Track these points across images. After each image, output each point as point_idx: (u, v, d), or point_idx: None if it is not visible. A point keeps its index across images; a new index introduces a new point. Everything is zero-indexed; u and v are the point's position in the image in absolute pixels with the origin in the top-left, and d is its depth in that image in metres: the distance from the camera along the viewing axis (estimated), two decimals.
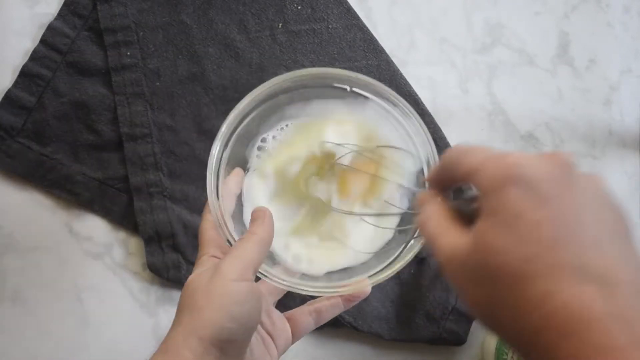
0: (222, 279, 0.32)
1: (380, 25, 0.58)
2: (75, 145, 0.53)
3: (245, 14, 0.55)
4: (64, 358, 0.51)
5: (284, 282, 0.37)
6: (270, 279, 0.37)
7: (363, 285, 0.38)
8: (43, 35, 0.54)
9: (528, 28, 0.59)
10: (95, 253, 0.53)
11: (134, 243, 0.53)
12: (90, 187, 0.53)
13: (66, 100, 0.53)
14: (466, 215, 0.27)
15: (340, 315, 0.51)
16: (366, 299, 0.52)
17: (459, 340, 0.52)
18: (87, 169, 0.53)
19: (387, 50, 0.56)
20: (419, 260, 0.53)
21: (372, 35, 0.56)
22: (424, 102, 0.56)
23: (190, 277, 0.34)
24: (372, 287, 0.52)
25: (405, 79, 0.56)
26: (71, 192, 0.53)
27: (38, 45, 0.54)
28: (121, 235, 0.53)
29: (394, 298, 0.53)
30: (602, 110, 0.59)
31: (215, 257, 0.36)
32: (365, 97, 0.41)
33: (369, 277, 0.38)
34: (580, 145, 0.58)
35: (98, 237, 0.53)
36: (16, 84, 0.53)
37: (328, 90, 0.40)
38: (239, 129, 0.40)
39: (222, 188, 0.39)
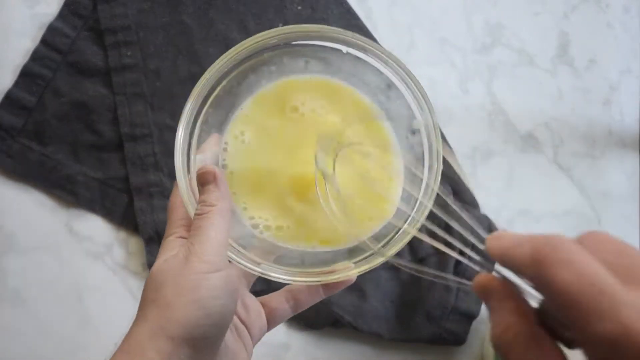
0: (193, 270, 0.29)
1: (380, 25, 0.58)
2: (75, 146, 0.53)
3: (245, 15, 0.56)
4: (64, 358, 0.51)
5: (258, 269, 0.33)
6: (243, 265, 0.33)
7: (348, 273, 0.34)
8: (43, 36, 0.54)
9: (528, 28, 0.59)
10: (95, 253, 0.53)
11: (134, 243, 0.53)
12: (91, 187, 0.53)
13: (66, 100, 0.53)
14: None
15: (340, 315, 0.51)
16: (366, 299, 0.52)
17: (459, 340, 0.52)
18: (88, 169, 0.53)
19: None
20: (419, 260, 0.53)
21: (372, 35, 0.56)
22: None
23: (156, 266, 0.30)
24: (371, 287, 0.52)
25: None
26: (71, 192, 0.53)
27: (38, 46, 0.54)
28: (121, 235, 0.53)
29: (394, 298, 0.53)
30: (602, 110, 0.59)
31: (183, 237, 0.32)
32: (361, 60, 0.37)
33: (355, 262, 0.34)
34: (580, 145, 0.58)
35: (98, 237, 0.53)
36: (17, 84, 0.53)
37: (321, 49, 0.37)
38: (217, 90, 0.35)
39: (195, 158, 0.35)
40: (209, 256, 0.29)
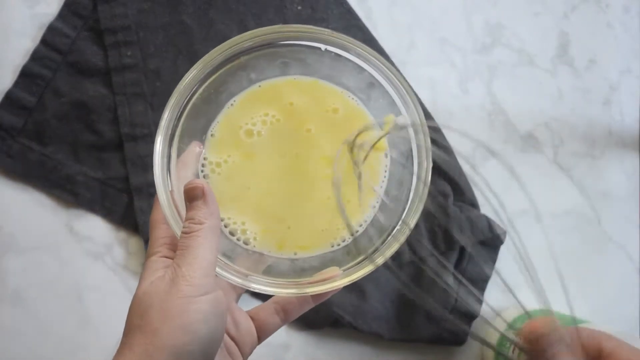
0: (180, 294, 0.27)
1: (380, 26, 0.58)
2: (75, 146, 0.53)
3: (245, 15, 0.56)
4: (64, 358, 0.51)
5: (245, 282, 0.32)
6: (230, 279, 0.32)
7: (336, 284, 0.33)
8: (43, 36, 0.54)
9: (528, 28, 0.59)
10: (95, 253, 0.53)
11: (135, 243, 0.53)
12: (91, 188, 0.53)
13: (66, 100, 0.53)
14: None
15: (340, 315, 0.51)
16: (366, 299, 0.52)
17: (459, 340, 0.52)
18: (88, 169, 0.53)
19: (387, 51, 0.56)
20: (419, 259, 0.53)
21: (372, 35, 0.56)
22: (424, 102, 0.56)
23: (141, 289, 0.29)
24: (371, 287, 0.52)
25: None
26: (72, 193, 0.53)
27: (38, 46, 0.54)
28: (121, 235, 0.53)
29: (394, 298, 0.53)
30: (602, 110, 0.59)
31: (167, 257, 0.31)
32: (341, 58, 0.36)
33: (345, 269, 0.34)
34: (580, 145, 0.58)
35: (98, 237, 0.53)
36: (17, 84, 0.53)
37: (299, 49, 0.36)
38: (194, 98, 0.35)
39: (176, 169, 0.33)
40: (197, 279, 0.28)
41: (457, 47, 0.58)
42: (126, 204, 0.53)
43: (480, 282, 0.53)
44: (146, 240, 0.52)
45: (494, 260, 0.54)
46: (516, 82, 0.58)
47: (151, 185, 0.52)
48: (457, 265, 0.53)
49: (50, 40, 0.54)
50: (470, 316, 0.52)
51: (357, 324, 0.52)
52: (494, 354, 0.51)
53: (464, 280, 0.53)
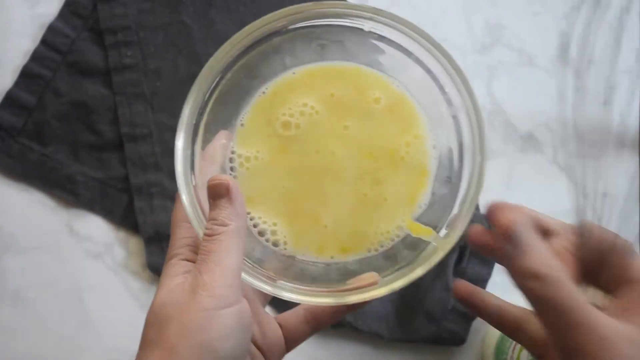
0: (201, 307, 0.25)
1: None
2: (75, 146, 0.53)
3: (245, 15, 0.56)
4: (64, 358, 0.51)
5: (275, 290, 0.30)
6: (258, 285, 0.29)
7: (375, 293, 0.30)
8: (43, 36, 0.54)
9: (528, 28, 0.59)
10: (95, 253, 0.53)
11: (135, 243, 0.53)
12: (91, 188, 0.53)
13: (66, 100, 0.53)
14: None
15: None
16: None
17: (459, 340, 0.52)
18: (88, 169, 0.53)
19: None
20: None
21: None
22: None
23: (158, 298, 0.26)
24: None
25: None
26: (72, 193, 0.53)
27: (38, 46, 0.54)
28: (122, 235, 0.53)
29: (394, 298, 0.53)
30: (602, 110, 0.59)
31: (188, 260, 0.28)
32: (384, 40, 0.33)
33: (384, 276, 0.31)
34: (580, 145, 0.58)
35: (98, 237, 0.53)
36: (17, 84, 0.53)
37: (337, 29, 0.33)
38: (222, 84, 0.32)
39: (200, 161, 0.30)
40: (220, 289, 0.25)
41: (457, 47, 0.58)
42: (126, 204, 0.53)
43: (480, 282, 0.53)
44: (146, 240, 0.52)
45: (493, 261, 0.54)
46: (516, 82, 0.58)
47: (151, 185, 0.52)
48: (457, 265, 0.53)
49: (50, 40, 0.54)
50: (470, 316, 0.52)
51: (357, 324, 0.52)
52: (494, 354, 0.51)
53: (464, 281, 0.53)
